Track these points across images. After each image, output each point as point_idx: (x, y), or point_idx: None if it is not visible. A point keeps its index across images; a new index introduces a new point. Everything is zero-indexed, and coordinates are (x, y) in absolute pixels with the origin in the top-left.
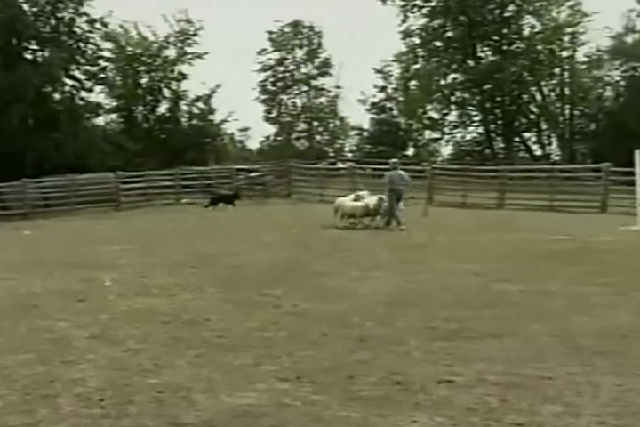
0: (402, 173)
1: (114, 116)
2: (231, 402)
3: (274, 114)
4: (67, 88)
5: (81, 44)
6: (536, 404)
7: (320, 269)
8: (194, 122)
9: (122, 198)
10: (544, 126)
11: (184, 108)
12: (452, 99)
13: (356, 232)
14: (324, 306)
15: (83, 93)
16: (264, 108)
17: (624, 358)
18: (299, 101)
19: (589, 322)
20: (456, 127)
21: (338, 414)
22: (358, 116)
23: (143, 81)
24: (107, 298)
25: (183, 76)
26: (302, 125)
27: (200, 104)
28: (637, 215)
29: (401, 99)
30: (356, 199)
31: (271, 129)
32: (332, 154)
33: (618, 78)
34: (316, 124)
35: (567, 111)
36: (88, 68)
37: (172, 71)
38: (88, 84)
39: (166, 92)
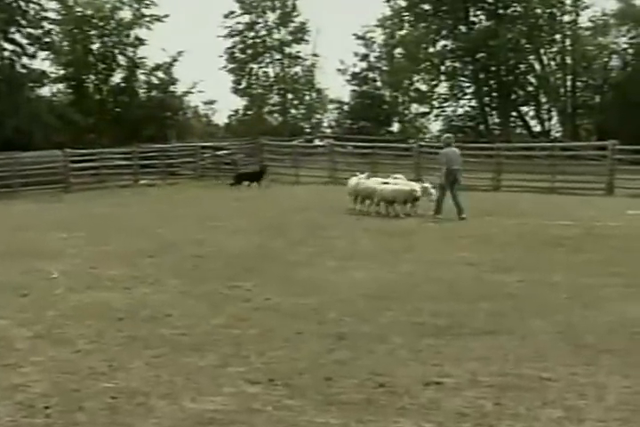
0: (457, 150)
1: (61, 86)
2: (195, 408)
3: (243, 85)
4: (6, 53)
5: (21, 3)
6: (534, 408)
7: (295, 259)
8: (153, 93)
9: (71, 179)
10: (544, 99)
11: (142, 77)
12: (442, 68)
13: (336, 217)
14: (299, 300)
15: (24, 60)
16: (232, 78)
17: (632, 357)
18: (271, 71)
19: (595, 317)
20: (446, 100)
21: (314, 421)
22: (337, 88)
23: (95, 47)
24: (53, 292)
25: (140, 42)
26: (275, 98)
27: (160, 73)
28: None
29: (385, 69)
30: (385, 183)
31: (240, 102)
32: (308, 130)
33: (625, 46)
34: (290, 96)
35: (569, 83)
36: (30, 30)
37: (128, 36)
38: (30, 49)
39: (121, 59)
